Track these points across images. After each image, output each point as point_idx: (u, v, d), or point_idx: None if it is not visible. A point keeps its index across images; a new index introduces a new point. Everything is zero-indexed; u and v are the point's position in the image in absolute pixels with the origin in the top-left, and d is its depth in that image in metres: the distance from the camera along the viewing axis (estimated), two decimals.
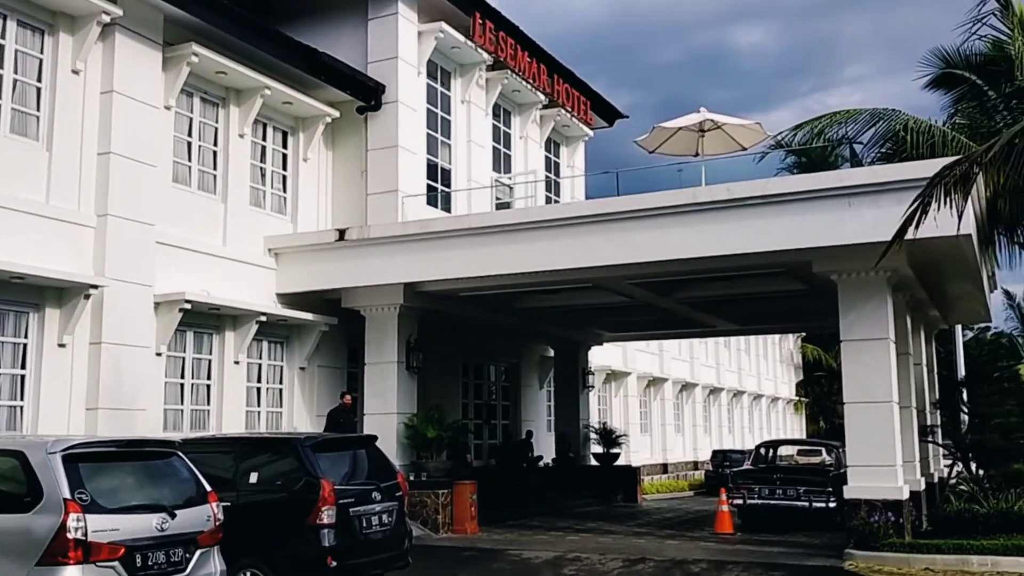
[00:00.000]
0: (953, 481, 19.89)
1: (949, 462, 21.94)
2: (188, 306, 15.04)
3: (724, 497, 17.85)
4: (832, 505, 17.07)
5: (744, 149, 19.16)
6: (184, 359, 15.91)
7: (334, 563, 9.51)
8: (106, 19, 14.14)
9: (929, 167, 13.16)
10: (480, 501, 17.57)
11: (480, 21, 20.78)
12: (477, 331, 22.29)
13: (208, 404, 16.25)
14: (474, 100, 21.72)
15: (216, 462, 10.28)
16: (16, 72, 13.61)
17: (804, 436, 49.31)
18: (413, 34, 19.58)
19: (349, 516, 9.78)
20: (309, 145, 18.66)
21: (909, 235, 10.16)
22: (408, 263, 16.79)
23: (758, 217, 14.22)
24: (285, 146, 18.59)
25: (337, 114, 18.68)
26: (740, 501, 17.83)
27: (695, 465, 37.77)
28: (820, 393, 51.94)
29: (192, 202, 16.29)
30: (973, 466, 19.74)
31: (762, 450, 20.69)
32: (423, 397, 19.12)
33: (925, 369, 20.13)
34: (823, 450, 20.64)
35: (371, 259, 17.01)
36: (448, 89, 21.29)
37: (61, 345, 13.55)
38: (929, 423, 19.33)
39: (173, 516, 7.65)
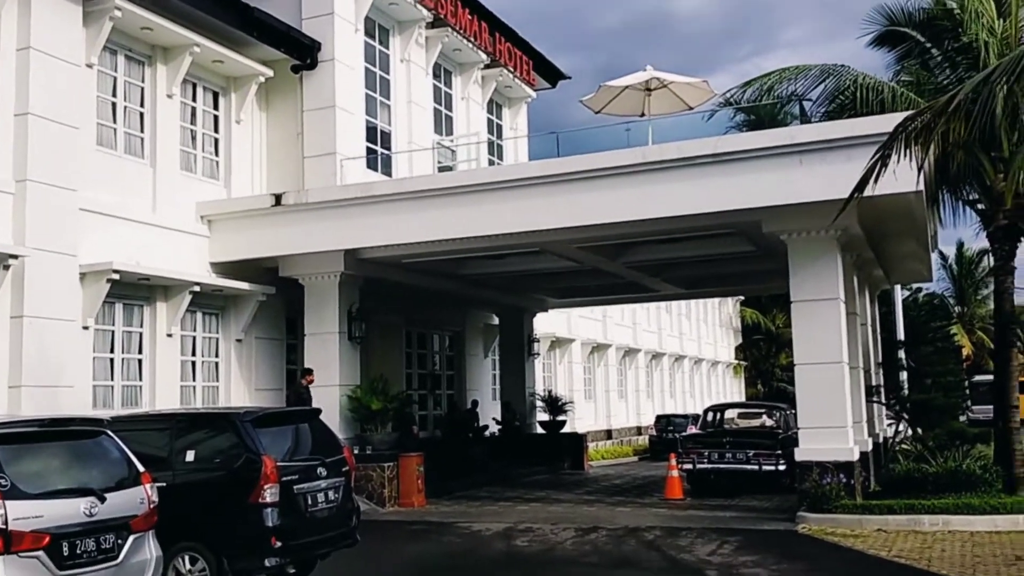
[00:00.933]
0: (897, 441, 20.09)
1: (891, 422, 22.21)
2: (116, 276, 14.26)
3: (673, 462, 17.71)
4: (782, 468, 17.03)
5: (691, 108, 18.86)
6: (113, 332, 15.13)
7: (278, 543, 9.00)
8: None
9: (883, 122, 12.95)
10: (426, 473, 17.18)
11: None
12: (420, 299, 21.76)
13: (140, 380, 15.50)
14: (414, 59, 21.03)
15: (150, 440, 9.63)
16: None
17: (744, 399, 49.86)
18: None
19: (293, 494, 9.26)
20: (242, 106, 17.84)
21: (867, 191, 9.90)
22: (348, 228, 16.17)
23: (709, 176, 13.93)
24: (216, 107, 17.74)
25: (271, 73, 17.88)
26: (690, 466, 17.71)
27: (639, 430, 37.86)
28: (759, 356, 52.53)
29: (119, 166, 15.45)
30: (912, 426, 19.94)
31: (710, 414, 20.60)
32: (366, 368, 18.59)
33: (869, 329, 20.21)
34: (770, 413, 20.62)
35: (309, 225, 16.34)
36: (387, 47, 20.57)
37: None
38: (874, 383, 19.41)
39: (103, 500, 7.07)
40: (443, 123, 22.65)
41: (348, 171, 17.97)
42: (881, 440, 19.67)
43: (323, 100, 18.20)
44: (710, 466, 17.62)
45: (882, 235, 16.51)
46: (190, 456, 9.38)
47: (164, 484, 9.11)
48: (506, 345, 25.50)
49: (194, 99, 17.23)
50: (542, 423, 25.73)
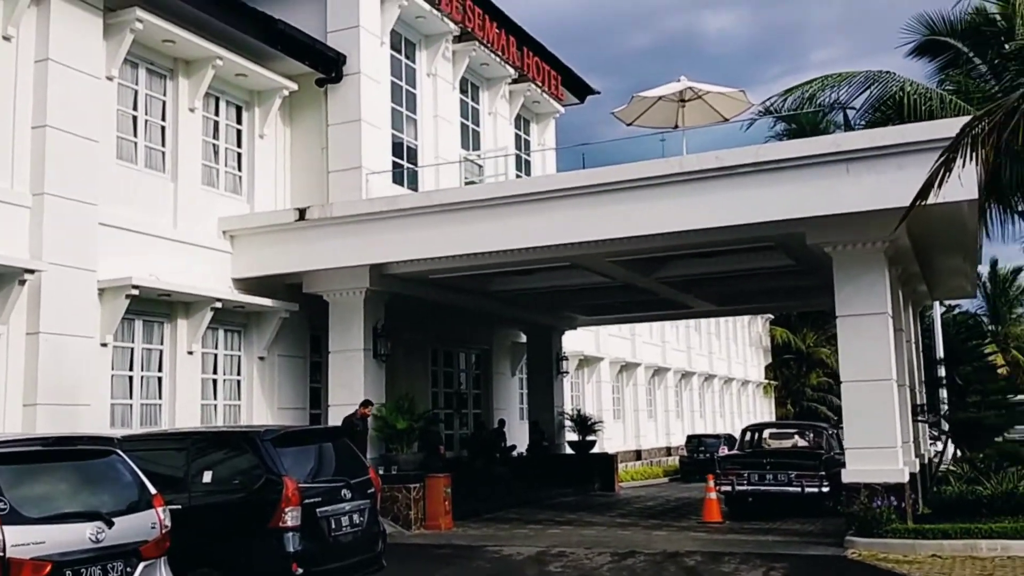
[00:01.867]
0: (943, 461, 19.28)
1: (933, 442, 21.36)
2: (136, 292, 13.86)
3: (711, 484, 17.01)
4: (825, 490, 16.30)
5: (726, 120, 18.28)
6: (132, 350, 14.72)
7: (300, 570, 8.48)
8: None
9: (937, 128, 12.47)
10: (453, 495, 16.61)
11: None
12: (447, 317, 21.26)
13: (160, 398, 15.06)
14: (440, 73, 20.64)
15: (165, 460, 9.22)
16: None
17: (774, 419, 48.86)
18: (375, 1, 18.43)
19: (316, 517, 8.75)
20: (265, 120, 17.49)
21: (927, 199, 9.27)
22: (374, 243, 15.70)
23: (749, 186, 13.35)
24: (239, 122, 17.39)
25: (295, 87, 17.53)
26: (728, 488, 17.00)
27: (668, 451, 37.07)
28: (789, 376, 51.60)
29: (139, 181, 15.09)
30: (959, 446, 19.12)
31: (748, 434, 19.87)
32: (391, 387, 18.08)
33: (914, 347, 19.47)
34: (810, 433, 19.87)
35: (334, 240, 15.90)
36: (413, 61, 20.19)
37: None
38: (919, 402, 18.65)
39: (110, 524, 6.57)
40: (470, 138, 22.23)
41: (373, 186, 17.55)
42: (927, 461, 18.86)
43: (348, 114, 17.81)
44: (750, 488, 16.91)
45: (929, 248, 15.83)
46: (207, 477, 8.90)
47: (180, 507, 8.68)
48: (534, 363, 24.91)
49: (217, 113, 16.90)
50: (571, 443, 25.09)
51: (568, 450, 25.05)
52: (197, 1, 15.19)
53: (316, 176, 17.79)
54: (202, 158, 16.38)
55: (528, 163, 24.69)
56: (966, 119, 12.58)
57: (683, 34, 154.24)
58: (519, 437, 24.26)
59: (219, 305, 15.41)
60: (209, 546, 8.71)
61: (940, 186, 8.74)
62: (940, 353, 25.58)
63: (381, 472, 16.35)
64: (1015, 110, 7.77)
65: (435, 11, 19.61)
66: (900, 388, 15.07)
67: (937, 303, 26.35)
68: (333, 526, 8.95)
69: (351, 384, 16.64)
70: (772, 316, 51.73)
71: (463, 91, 21.91)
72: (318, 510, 8.78)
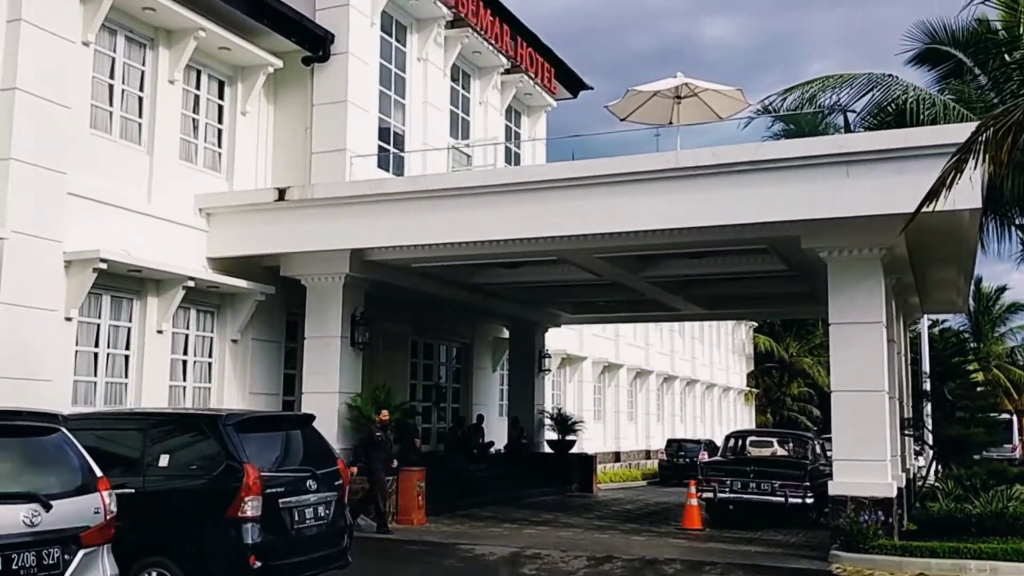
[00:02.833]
0: (927, 477, 18.93)
1: (915, 457, 21.04)
2: (103, 266, 13.26)
3: (693, 490, 16.57)
4: (809, 501, 15.90)
5: (722, 119, 17.82)
6: (99, 326, 14.11)
7: (258, 563, 7.97)
8: None
9: (941, 134, 12.11)
10: (428, 489, 16.14)
11: None
12: (429, 308, 20.75)
13: (126, 377, 14.46)
14: (431, 59, 20.11)
15: (121, 441, 8.72)
16: None
17: (754, 427, 48.58)
18: None
19: (278, 508, 8.24)
20: (248, 97, 16.90)
21: (930, 205, 8.83)
22: (356, 227, 15.16)
23: (746, 185, 12.89)
24: (221, 97, 16.80)
25: (280, 64, 16.95)
26: (710, 494, 16.57)
27: (647, 454, 36.69)
28: (770, 384, 51.35)
29: (113, 152, 14.49)
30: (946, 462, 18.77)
31: (731, 440, 19.45)
32: (368, 377, 17.57)
33: (904, 359, 19.11)
34: (795, 442, 19.47)
35: (314, 222, 15.35)
36: (404, 45, 19.65)
37: None
38: (908, 415, 18.30)
39: (48, 508, 6.04)
40: (459, 127, 21.71)
41: (358, 169, 16.99)
42: (912, 476, 18.51)
43: (335, 94, 17.26)
44: (732, 496, 16.49)
45: (925, 259, 15.44)
46: (164, 461, 8.37)
47: (133, 491, 8.20)
48: (516, 360, 24.42)
49: (198, 87, 16.31)
50: (550, 442, 24.62)
51: (547, 449, 24.58)
52: None
53: (299, 157, 17.23)
54: (181, 132, 15.79)
55: (518, 156, 24.19)
56: (974, 124, 12.24)
57: (682, 39, 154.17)
58: (498, 434, 23.77)
59: (192, 284, 14.83)
60: (163, 534, 8.20)
61: (950, 188, 8.30)
62: (926, 367, 25.34)
63: None
64: None
65: None
66: (890, 400, 14.70)
67: (924, 317, 25.99)
68: (296, 518, 8.45)
69: (326, 372, 16.12)
70: (756, 324, 51.48)
71: (454, 79, 21.39)
72: (280, 501, 8.28)
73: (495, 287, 19.87)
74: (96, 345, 14.04)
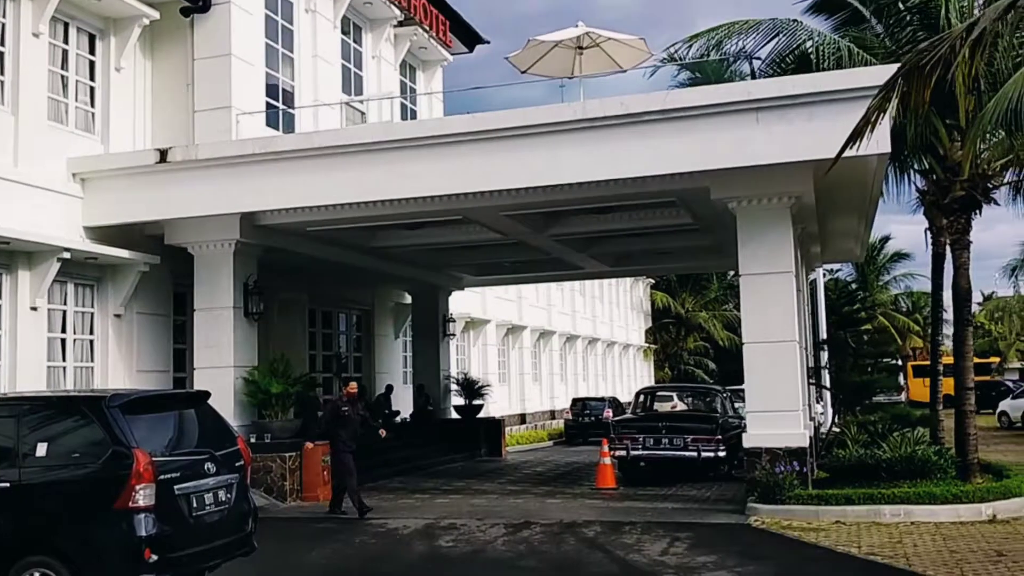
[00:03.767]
0: (829, 425, 19.21)
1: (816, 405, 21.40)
2: None
3: (606, 449, 16.35)
4: (722, 454, 15.87)
5: (624, 70, 17.45)
6: None
7: (154, 556, 7.23)
8: None
9: (849, 78, 12.00)
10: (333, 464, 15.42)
11: None
12: (326, 274, 19.89)
13: None
14: (320, 10, 19.06)
15: None
16: None
17: (653, 383, 49.25)
18: None
19: (173, 495, 7.49)
20: (122, 52, 15.65)
21: (849, 151, 8.58)
22: (245, 190, 14.24)
23: (656, 136, 12.55)
24: (92, 52, 15.52)
25: (156, 15, 15.77)
26: (623, 453, 16.38)
27: (552, 415, 36.65)
28: (668, 340, 52.10)
29: None
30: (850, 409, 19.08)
31: (641, 397, 19.32)
32: (265, 349, 16.73)
33: (806, 309, 19.28)
34: (706, 396, 19.48)
35: (200, 185, 14.34)
36: None
37: None
38: (810, 365, 18.48)
39: None
40: (352, 83, 20.74)
41: (245, 128, 15.96)
42: (816, 425, 18.76)
43: (217, 47, 16.13)
44: (645, 453, 16.34)
45: (830, 207, 15.48)
46: (41, 450, 7.50)
47: (7, 485, 7.38)
48: (419, 325, 23.79)
49: (66, 41, 15.01)
50: (457, 408, 24.16)
51: (454, 415, 24.12)
52: None
53: (180, 116, 16.08)
54: (48, 90, 14.53)
55: (414, 112, 23.37)
56: (883, 67, 12.13)
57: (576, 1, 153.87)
58: (403, 402, 23.18)
59: (67, 255, 13.68)
60: (45, 531, 7.37)
61: (874, 128, 8.05)
62: (823, 316, 25.85)
63: (253, 440, 15.09)
64: (958, 44, 7.08)
65: None
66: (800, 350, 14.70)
67: (822, 267, 26.45)
68: (194, 505, 7.71)
69: (219, 345, 15.21)
70: (653, 280, 52.04)
71: (345, 31, 20.39)
72: (176, 487, 7.52)
73: (396, 250, 19.15)
74: None
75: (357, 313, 23.27)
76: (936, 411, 16.89)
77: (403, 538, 11.71)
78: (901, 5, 17.70)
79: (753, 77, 14.82)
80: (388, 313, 24.09)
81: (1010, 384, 39.62)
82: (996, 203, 15.36)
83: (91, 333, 15.02)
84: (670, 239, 18.99)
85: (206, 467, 7.89)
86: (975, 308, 25.21)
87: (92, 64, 15.47)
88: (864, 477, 13.09)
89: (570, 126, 12.84)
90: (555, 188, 13.49)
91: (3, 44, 13.84)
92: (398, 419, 22.19)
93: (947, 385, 17.70)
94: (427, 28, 22.37)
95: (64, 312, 14.56)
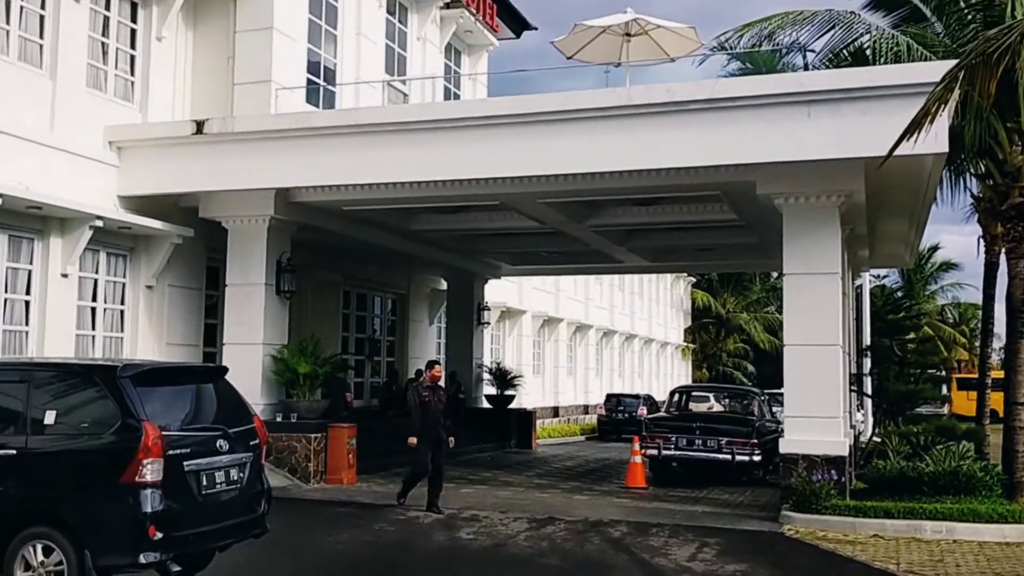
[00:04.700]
0: (870, 434, 18.61)
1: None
2: None
3: (636, 447, 15.93)
4: (756, 459, 15.39)
5: (672, 60, 16.95)
6: None
7: (158, 535, 6.96)
8: None
9: (911, 72, 11.44)
10: (360, 447, 15.22)
11: None
12: (362, 256, 19.68)
13: (26, 324, 13.20)
14: None
15: (0, 395, 7.58)
16: None
17: (691, 382, 48.60)
18: None
19: (183, 472, 7.22)
20: (164, 21, 15.50)
21: (903, 148, 8.10)
22: (281, 165, 14.01)
23: (702, 125, 12.10)
24: (134, 20, 15.38)
25: None
26: (655, 452, 15.94)
27: (586, 409, 36.22)
28: (707, 340, 51.42)
29: (9, 75, 13.10)
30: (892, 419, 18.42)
31: (676, 396, 18.85)
32: (297, 329, 16.56)
33: (852, 314, 18.68)
34: (742, 398, 18.96)
35: (236, 158, 14.15)
36: None
37: None
38: (853, 371, 17.89)
39: None
40: (396, 64, 20.47)
41: (284, 103, 15.75)
42: (856, 433, 18.19)
43: (259, 21, 15.92)
44: (677, 453, 15.89)
45: (881, 208, 14.87)
46: (50, 418, 7.26)
47: (14, 452, 7.17)
48: (454, 312, 23.51)
49: (107, 7, 14.87)
50: (489, 397, 23.86)
51: (485, 404, 23.82)
52: None
53: (220, 88, 15.91)
54: (88, 57, 14.41)
55: (457, 96, 23.02)
56: (943, 63, 11.57)
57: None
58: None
59: (100, 224, 13.54)
60: (49, 501, 7.13)
61: (932, 121, 7.57)
62: (867, 323, 25.14)
63: (280, 419, 14.92)
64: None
65: None
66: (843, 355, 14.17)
67: (868, 272, 25.71)
68: (204, 483, 7.44)
69: (250, 321, 15.02)
70: (694, 279, 51.34)
71: (390, 11, 20.10)
72: (186, 463, 7.26)
73: (433, 234, 18.87)
74: None
75: (392, 297, 23.05)
76: (982, 425, 16.29)
77: (423, 528, 11.42)
78: (963, 3, 17.07)
79: (806, 69, 14.27)
80: (423, 298, 23.84)
81: None
82: None
83: (122, 303, 14.92)
84: (713, 235, 18.49)
85: (218, 444, 7.62)
86: None
87: (133, 32, 15.34)
88: (905, 490, 12.54)
89: (614, 112, 12.43)
90: (596, 176, 13.09)
91: (43, 8, 13.72)
92: None
93: (993, 399, 17.07)
94: (474, 11, 22.03)
95: (95, 281, 14.46)
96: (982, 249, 17.79)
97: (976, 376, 18.65)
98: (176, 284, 15.57)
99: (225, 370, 8.54)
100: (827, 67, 14.90)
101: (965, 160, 15.43)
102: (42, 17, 13.68)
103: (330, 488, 14.47)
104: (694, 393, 19.84)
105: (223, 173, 14.18)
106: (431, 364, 13.37)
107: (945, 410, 39.30)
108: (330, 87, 17.69)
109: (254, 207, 14.85)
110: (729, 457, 15.44)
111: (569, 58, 17.33)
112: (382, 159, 13.53)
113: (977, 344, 55.91)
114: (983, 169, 14.65)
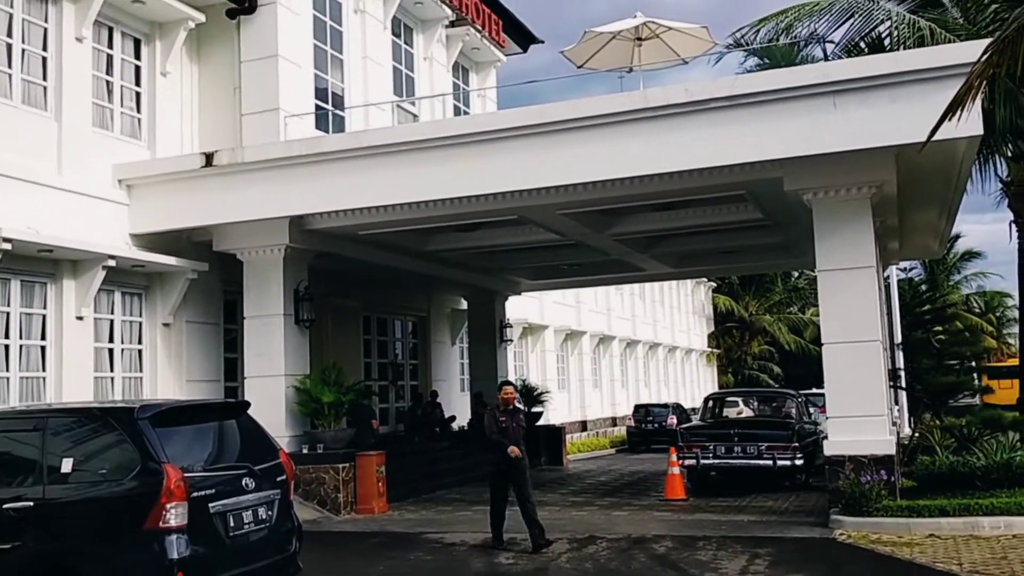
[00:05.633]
0: (911, 430, 18.07)
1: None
2: (7, 246, 11.77)
3: (674, 458, 15.49)
4: (798, 463, 14.92)
5: (685, 62, 16.63)
6: (8, 314, 12.59)
7: None
8: None
9: (939, 55, 11.06)
10: (388, 474, 14.87)
11: None
12: (380, 280, 19.37)
13: (43, 370, 12.95)
14: (369, 10, 18.59)
15: (14, 445, 7.32)
16: None
17: (716, 388, 48.01)
18: None
19: (208, 514, 6.92)
20: (168, 56, 15.32)
21: (948, 120, 7.70)
22: (294, 192, 13.73)
23: (723, 124, 11.72)
24: (138, 56, 15.21)
25: (203, 18, 15.41)
26: (693, 462, 15.49)
27: (614, 421, 35.72)
28: (731, 344, 50.80)
29: (14, 119, 12.94)
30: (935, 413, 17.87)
31: (710, 403, 18.38)
32: (319, 357, 16.24)
33: (884, 307, 18.19)
34: (779, 401, 18.47)
35: (247, 189, 13.88)
36: None
37: None
38: (890, 366, 17.40)
39: None
40: (403, 85, 20.24)
41: (293, 131, 15.51)
42: (899, 430, 17.66)
43: (264, 49, 15.73)
44: (716, 462, 15.43)
45: (911, 198, 14.42)
46: (67, 466, 6.98)
47: (31, 504, 6.88)
48: (476, 331, 23.14)
49: (110, 45, 14.72)
50: None
51: None
52: None
53: (228, 120, 15.71)
54: (93, 96, 14.23)
55: (467, 114, 22.77)
56: (970, 43, 11.18)
57: (641, 3, 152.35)
58: (460, 409, 22.53)
59: (113, 263, 13.31)
60: (70, 553, 6.84)
61: (975, 99, 7.18)
62: (896, 316, 24.64)
63: (306, 451, 14.60)
64: None
65: None
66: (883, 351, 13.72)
67: (896, 264, 25.21)
68: (232, 524, 7.13)
69: (270, 353, 14.72)
70: (715, 284, 50.79)
71: (395, 33, 19.89)
72: (211, 505, 6.95)
73: (451, 254, 18.54)
74: (6, 336, 12.50)
75: (412, 320, 22.74)
76: None
77: (460, 555, 11.04)
78: None
79: (826, 60, 13.90)
80: (444, 319, 23.51)
81: None
82: None
83: (139, 342, 14.66)
84: (737, 237, 18.05)
85: (244, 483, 7.30)
86: None
87: (137, 69, 15.17)
88: (956, 486, 12.05)
89: (631, 116, 12.07)
90: (616, 183, 12.75)
91: (45, 49, 13.56)
92: (455, 426, 21.56)
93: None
94: (479, 28, 21.79)
95: (111, 321, 14.21)
96: (1014, 234, 17.29)
97: (1008, 364, 18.10)
98: (193, 320, 15.30)
99: (247, 405, 8.22)
100: (846, 58, 14.54)
101: (997, 141, 15.01)
102: (44, 59, 13.51)
103: (361, 518, 14.10)
104: (728, 399, 19.34)
105: (235, 204, 13.93)
106: (502, 385, 12.22)
107: (977, 400, 38.62)
108: (339, 112, 17.46)
109: (268, 237, 14.58)
110: (770, 463, 14.97)
111: (579, 67, 17.06)
112: (396, 180, 13.24)
113: (1004, 332, 55.11)
114: (1011, 152, 14.21)
